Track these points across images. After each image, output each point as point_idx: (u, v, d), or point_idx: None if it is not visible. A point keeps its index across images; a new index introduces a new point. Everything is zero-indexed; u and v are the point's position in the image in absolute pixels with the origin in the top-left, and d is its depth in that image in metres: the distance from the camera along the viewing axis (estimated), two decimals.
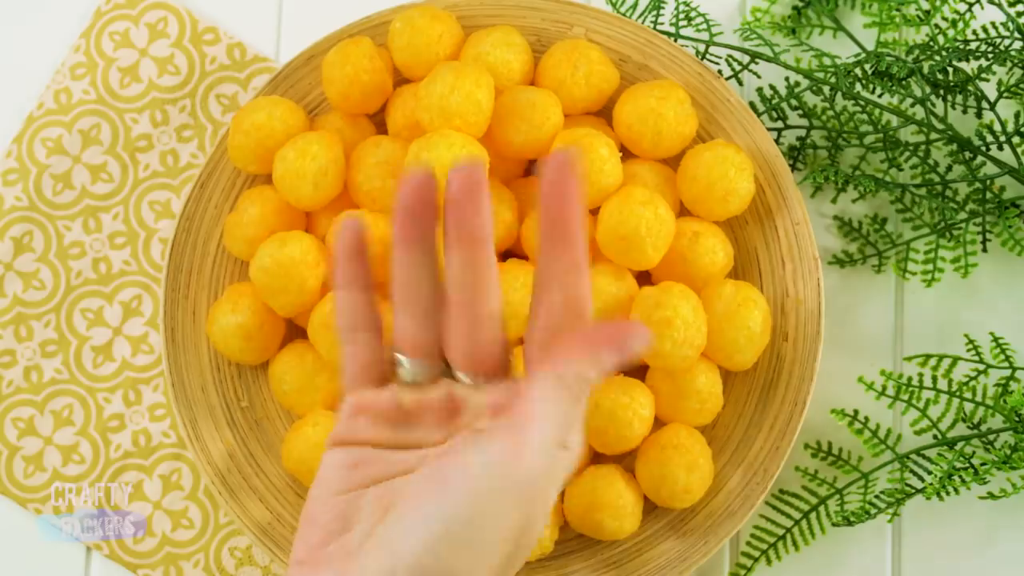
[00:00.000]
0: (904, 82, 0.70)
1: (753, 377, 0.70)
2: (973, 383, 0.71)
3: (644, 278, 0.69)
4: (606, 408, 0.66)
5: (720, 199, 0.68)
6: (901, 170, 0.74)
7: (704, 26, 0.73)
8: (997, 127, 0.73)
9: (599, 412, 0.66)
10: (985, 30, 0.72)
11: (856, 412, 0.71)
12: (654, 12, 0.73)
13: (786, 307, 0.69)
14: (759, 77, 0.75)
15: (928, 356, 0.71)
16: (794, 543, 0.72)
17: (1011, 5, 0.71)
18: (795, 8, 0.76)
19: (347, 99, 0.70)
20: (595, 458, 0.70)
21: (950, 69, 0.71)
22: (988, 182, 0.72)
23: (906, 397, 0.70)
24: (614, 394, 0.66)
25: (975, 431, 0.71)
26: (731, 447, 0.70)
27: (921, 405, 0.70)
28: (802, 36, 0.76)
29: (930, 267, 0.73)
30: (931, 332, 0.74)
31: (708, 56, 0.74)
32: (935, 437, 0.71)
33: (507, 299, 0.65)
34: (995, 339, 0.71)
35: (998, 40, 0.72)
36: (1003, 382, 0.71)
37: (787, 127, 0.74)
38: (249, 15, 0.79)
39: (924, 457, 0.71)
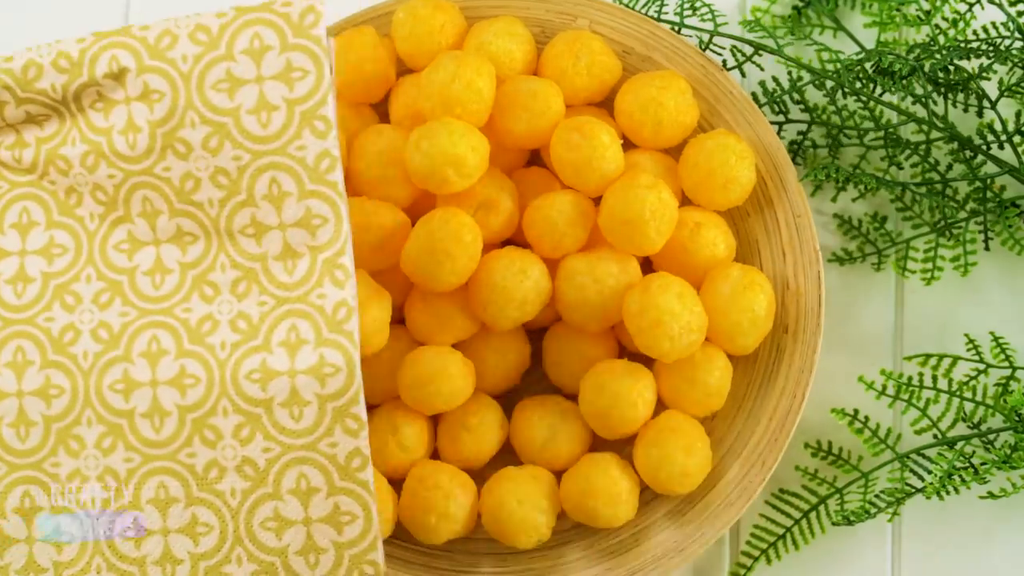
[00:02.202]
0: (906, 80, 0.70)
1: (753, 368, 0.70)
2: (973, 383, 0.71)
3: (646, 266, 0.69)
4: (611, 390, 0.66)
5: (721, 187, 0.68)
6: (901, 168, 0.75)
7: (708, 15, 0.73)
8: (998, 126, 0.74)
9: (603, 393, 0.66)
10: (985, 30, 0.72)
11: (856, 411, 0.71)
12: (658, 2, 0.73)
13: (786, 299, 0.69)
14: (762, 69, 0.75)
15: (928, 355, 0.71)
16: (794, 542, 0.72)
17: (1012, 5, 0.71)
18: (795, 8, 0.77)
19: (350, 88, 0.70)
20: (593, 446, 0.70)
21: (951, 67, 0.71)
22: (988, 181, 0.72)
23: (906, 397, 0.70)
24: (619, 376, 0.66)
25: (975, 431, 0.70)
26: (730, 438, 0.69)
27: (921, 405, 0.70)
28: (800, 36, 0.76)
29: (929, 265, 0.73)
30: (931, 331, 0.74)
31: (711, 47, 0.74)
32: (935, 437, 0.71)
33: (503, 285, 0.66)
34: (995, 338, 0.71)
35: (998, 40, 0.73)
36: (1003, 382, 0.71)
37: (788, 121, 0.74)
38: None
39: (924, 457, 0.71)
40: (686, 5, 0.74)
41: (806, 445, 0.73)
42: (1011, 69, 0.74)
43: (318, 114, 0.50)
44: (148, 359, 0.54)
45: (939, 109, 0.75)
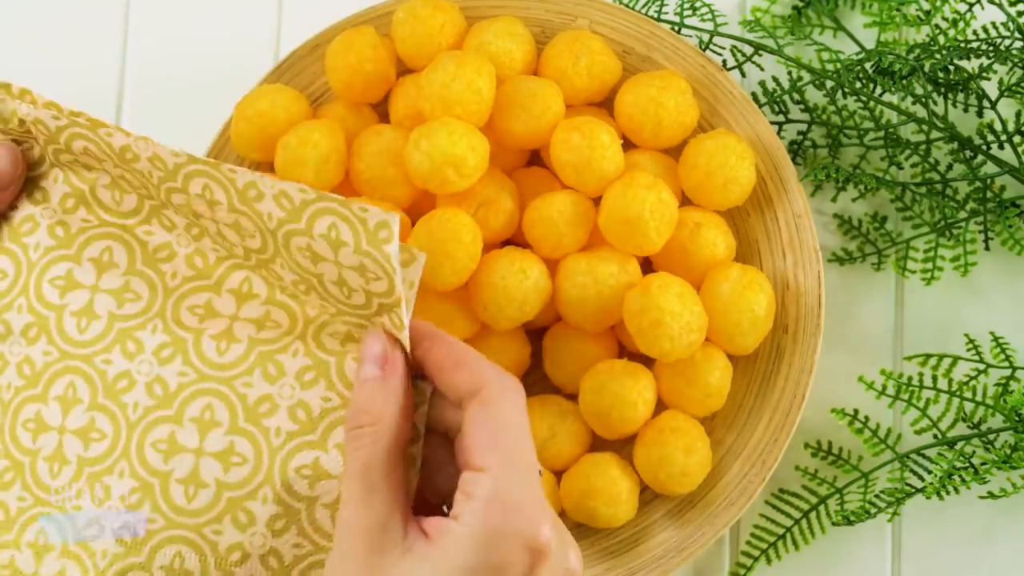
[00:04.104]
0: (906, 80, 0.70)
1: (753, 369, 0.70)
2: (973, 383, 0.71)
3: (646, 266, 0.69)
4: (611, 390, 0.66)
5: (720, 187, 0.68)
6: (901, 168, 0.75)
7: (708, 15, 0.74)
8: (998, 126, 0.74)
9: (603, 393, 0.66)
10: (985, 30, 0.73)
11: (856, 411, 0.71)
12: (658, 2, 0.73)
13: (786, 300, 0.69)
14: (762, 69, 0.75)
15: (928, 356, 0.71)
16: (794, 542, 0.72)
17: (1012, 5, 0.71)
18: (795, 8, 0.77)
19: (350, 88, 0.70)
20: (594, 445, 0.70)
21: (951, 67, 0.71)
22: (988, 181, 0.72)
23: (906, 397, 0.70)
24: (619, 376, 0.66)
25: (975, 431, 0.70)
26: (730, 438, 0.70)
27: (921, 405, 0.70)
28: (800, 36, 0.77)
29: (929, 265, 0.73)
30: (931, 331, 0.74)
31: (711, 47, 0.74)
32: (935, 437, 0.71)
33: (503, 284, 0.66)
34: (995, 338, 0.71)
35: (998, 40, 0.73)
36: (1003, 382, 0.71)
37: (788, 121, 0.74)
38: (250, 4, 0.79)
39: (924, 457, 0.71)
40: (686, 5, 0.74)
41: (806, 445, 0.73)
42: (1011, 69, 0.74)
43: (395, 312, 0.50)
44: (198, 426, 0.52)
45: (939, 109, 0.75)
